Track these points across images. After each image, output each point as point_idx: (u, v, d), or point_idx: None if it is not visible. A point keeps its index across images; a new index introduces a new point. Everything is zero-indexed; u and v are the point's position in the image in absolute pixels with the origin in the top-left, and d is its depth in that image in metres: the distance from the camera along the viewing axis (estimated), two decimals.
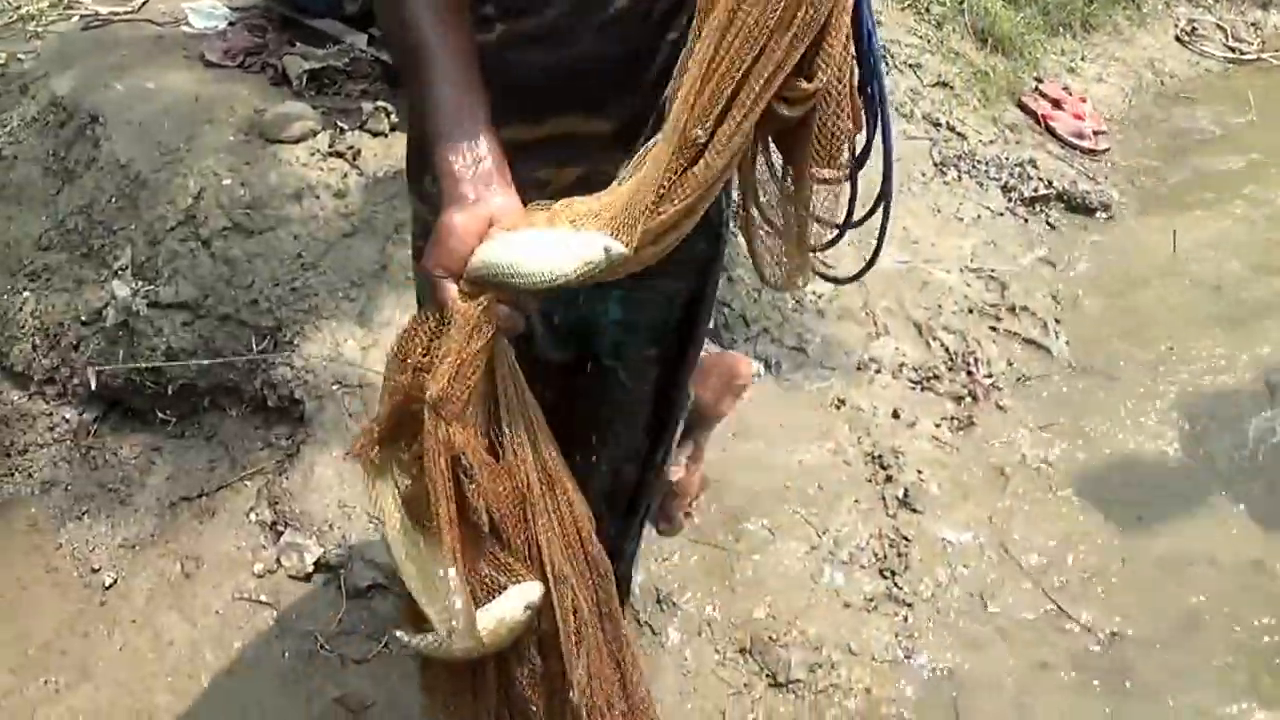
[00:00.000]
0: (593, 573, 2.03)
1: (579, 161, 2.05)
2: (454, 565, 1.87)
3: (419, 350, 1.87)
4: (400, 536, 1.93)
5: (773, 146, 2.01)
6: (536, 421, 1.95)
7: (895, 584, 3.47)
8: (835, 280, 2.41)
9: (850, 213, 2.16)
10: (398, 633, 1.95)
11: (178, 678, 3.18)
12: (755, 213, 2.14)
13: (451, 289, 1.79)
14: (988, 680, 3.29)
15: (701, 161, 1.80)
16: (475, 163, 1.79)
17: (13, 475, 3.91)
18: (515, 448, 1.93)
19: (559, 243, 1.78)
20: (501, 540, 1.93)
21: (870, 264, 2.27)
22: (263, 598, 3.30)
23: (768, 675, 3.25)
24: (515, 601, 1.92)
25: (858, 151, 2.03)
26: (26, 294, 4.05)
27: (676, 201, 1.81)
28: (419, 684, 2.12)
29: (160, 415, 3.80)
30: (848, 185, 2.08)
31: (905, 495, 3.68)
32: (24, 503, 3.80)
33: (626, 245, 1.78)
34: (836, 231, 2.18)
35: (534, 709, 2.05)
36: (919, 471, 3.76)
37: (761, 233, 2.20)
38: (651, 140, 1.82)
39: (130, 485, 3.68)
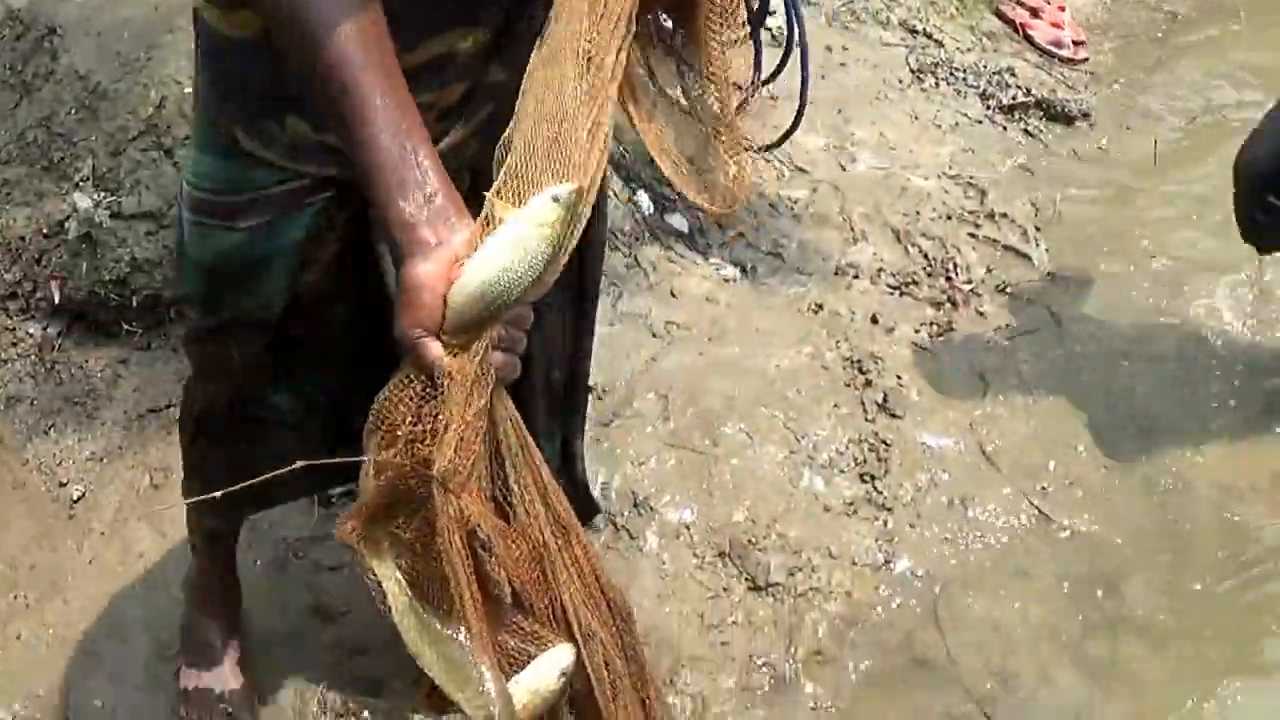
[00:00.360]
0: (616, 619, 1.96)
1: (460, 78, 1.98)
2: (483, 651, 1.76)
3: (408, 420, 1.70)
4: (412, 623, 1.78)
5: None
6: (539, 467, 1.83)
7: (875, 488, 3.44)
8: (760, 150, 2.33)
9: (758, 70, 2.10)
10: (418, 718, 1.92)
11: (149, 589, 3.14)
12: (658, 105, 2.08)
13: (435, 347, 1.62)
14: (968, 585, 3.27)
15: (593, 66, 1.73)
16: (427, 201, 1.62)
17: None
18: (526, 505, 1.80)
19: (519, 227, 1.62)
20: (523, 607, 1.84)
21: (795, 123, 2.22)
22: None
23: (746, 579, 3.23)
24: (548, 670, 1.85)
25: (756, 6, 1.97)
26: None
27: (584, 118, 1.72)
28: None
29: (126, 328, 3.73)
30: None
31: (885, 400, 3.65)
32: None
33: (573, 180, 1.66)
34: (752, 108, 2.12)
35: None
36: (898, 377, 3.73)
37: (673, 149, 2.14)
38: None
39: (97, 399, 3.63)
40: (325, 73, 1.62)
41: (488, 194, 1.63)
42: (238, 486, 1.92)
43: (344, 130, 1.64)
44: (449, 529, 1.68)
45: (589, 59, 1.72)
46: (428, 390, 1.66)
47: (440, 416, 1.65)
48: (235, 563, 2.95)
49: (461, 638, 1.75)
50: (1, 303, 3.88)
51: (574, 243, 1.67)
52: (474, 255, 1.60)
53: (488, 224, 1.62)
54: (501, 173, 1.66)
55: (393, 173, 1.61)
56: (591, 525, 3.28)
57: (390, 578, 1.78)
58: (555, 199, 1.61)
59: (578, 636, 1.86)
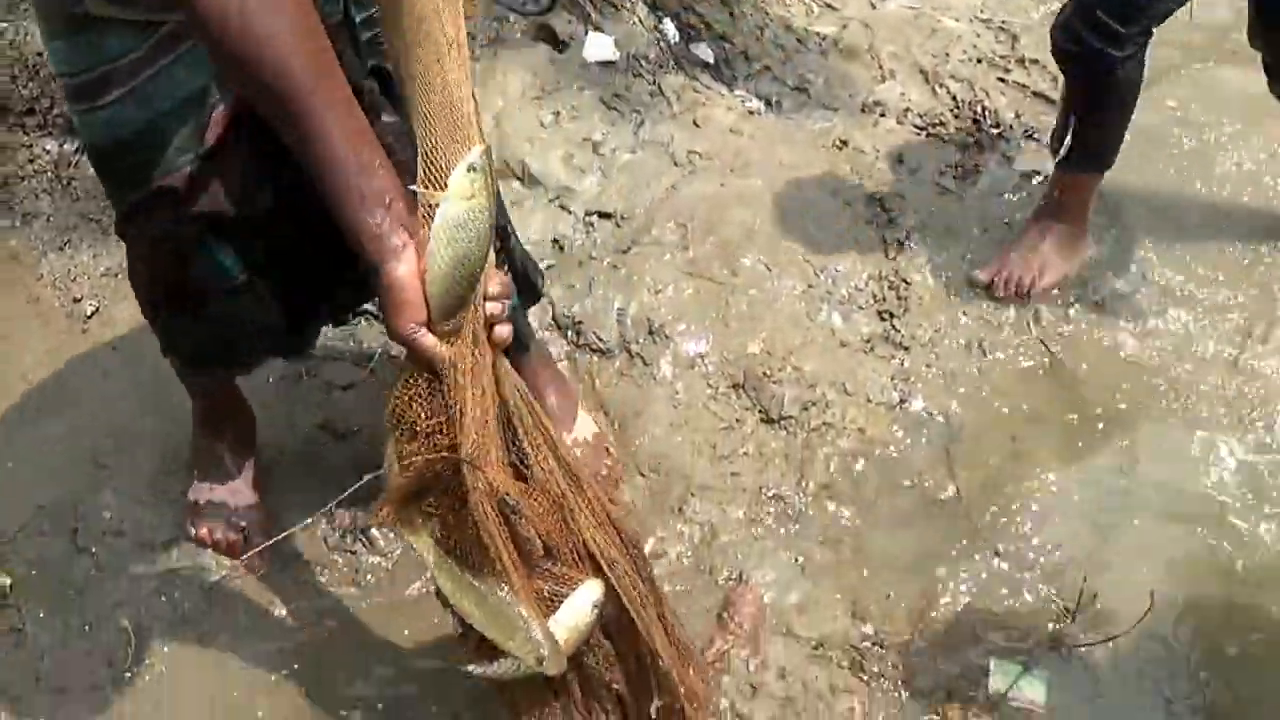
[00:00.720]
0: (629, 546, 2.10)
1: None
2: (524, 601, 1.96)
3: (423, 415, 1.85)
4: (454, 584, 2.00)
5: None
6: (547, 426, 1.97)
7: (893, 326, 3.37)
8: None
9: None
10: (471, 667, 2.08)
11: (160, 405, 3.09)
12: None
13: (429, 339, 1.74)
14: (982, 427, 3.20)
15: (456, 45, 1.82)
16: (388, 209, 1.69)
17: None
18: (541, 462, 1.96)
19: (452, 207, 1.73)
20: (552, 555, 2.00)
21: None
22: None
23: (760, 411, 3.17)
24: (581, 605, 2.03)
25: None
26: (4, 25, 3.89)
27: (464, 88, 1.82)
28: (501, 703, 2.24)
29: None
30: None
31: (906, 239, 3.56)
32: (4, 235, 3.69)
33: (475, 142, 1.78)
34: None
35: (615, 686, 2.20)
36: (921, 217, 3.63)
37: None
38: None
39: (112, 215, 3.54)
40: (276, 90, 1.65)
41: (414, 187, 1.75)
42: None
43: (298, 147, 1.68)
44: (482, 502, 1.87)
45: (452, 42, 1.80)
46: (434, 384, 1.81)
47: (454, 404, 1.81)
48: (238, 392, 2.90)
49: (503, 593, 1.95)
50: (18, 119, 3.80)
51: (496, 184, 1.83)
52: (429, 247, 1.72)
53: (427, 214, 1.73)
54: (420, 161, 1.77)
55: (354, 190, 1.67)
56: (607, 352, 3.22)
57: (428, 548, 2.00)
58: (470, 168, 1.73)
59: (605, 569, 2.03)
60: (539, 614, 1.99)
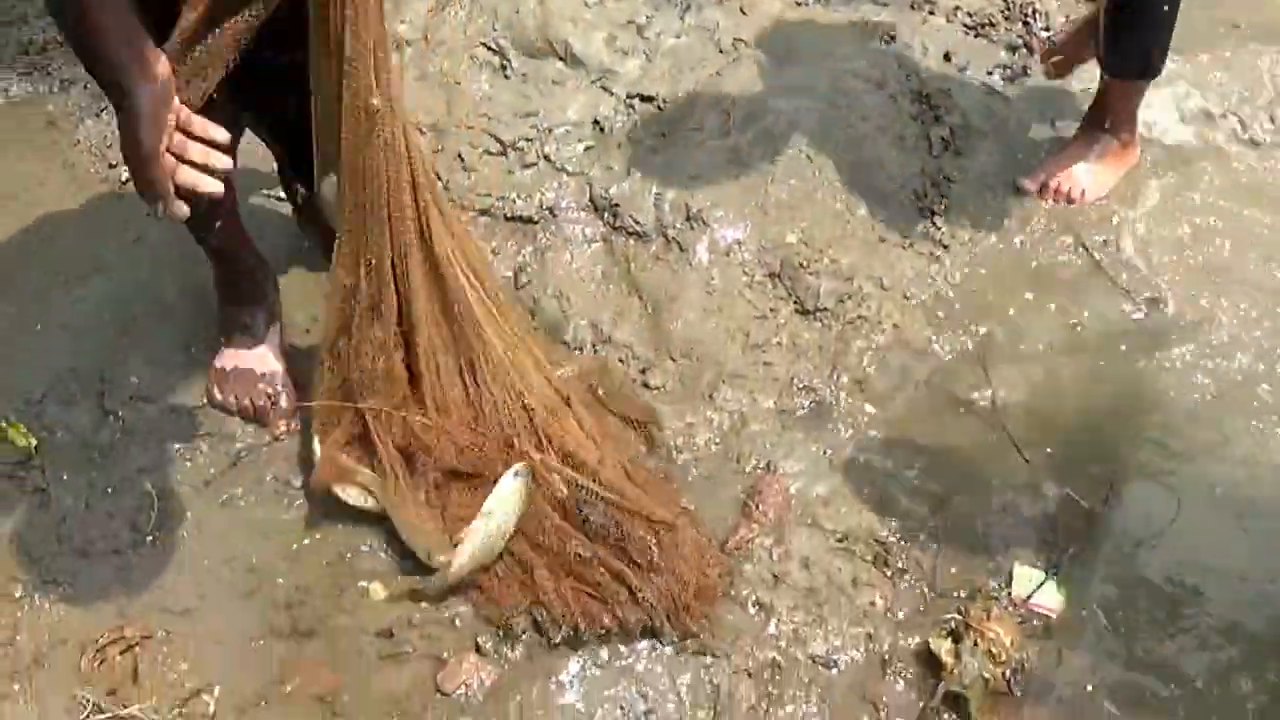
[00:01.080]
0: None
1: None
2: (428, 519, 2.62)
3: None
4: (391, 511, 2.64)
5: None
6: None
7: (933, 223, 3.26)
8: None
9: None
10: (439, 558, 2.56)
11: (192, 271, 3.02)
12: None
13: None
14: (1019, 330, 3.12)
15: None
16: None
17: (31, 74, 3.75)
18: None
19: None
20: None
21: None
22: (282, 195, 3.12)
23: (795, 301, 3.08)
24: (506, 484, 2.54)
25: None
26: None
27: None
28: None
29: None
30: None
31: (951, 136, 3.44)
32: (42, 100, 3.65)
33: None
34: None
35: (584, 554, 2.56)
36: (967, 116, 3.51)
37: None
38: None
39: None
40: None
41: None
42: None
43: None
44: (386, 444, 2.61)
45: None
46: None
47: None
48: (259, 259, 2.84)
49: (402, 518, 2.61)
50: None
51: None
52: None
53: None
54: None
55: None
56: (643, 235, 3.13)
57: (358, 498, 2.65)
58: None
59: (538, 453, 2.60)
60: (441, 529, 2.59)
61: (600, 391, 2.85)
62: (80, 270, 3.13)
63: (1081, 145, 3.37)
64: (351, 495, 2.63)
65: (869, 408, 2.95)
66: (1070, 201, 3.33)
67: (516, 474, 2.53)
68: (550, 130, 3.33)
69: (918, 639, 2.57)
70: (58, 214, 3.28)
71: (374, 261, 2.42)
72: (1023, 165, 3.42)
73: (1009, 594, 2.62)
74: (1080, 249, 3.26)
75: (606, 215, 3.19)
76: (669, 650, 2.52)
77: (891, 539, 2.71)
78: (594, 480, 2.59)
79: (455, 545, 2.53)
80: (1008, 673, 2.49)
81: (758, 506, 2.74)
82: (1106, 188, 3.37)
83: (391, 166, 2.32)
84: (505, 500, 2.53)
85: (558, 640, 2.49)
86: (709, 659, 2.51)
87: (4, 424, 2.70)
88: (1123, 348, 3.08)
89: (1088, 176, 3.34)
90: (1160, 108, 3.58)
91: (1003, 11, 3.88)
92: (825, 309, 3.06)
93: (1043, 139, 3.49)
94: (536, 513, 2.57)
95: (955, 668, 2.48)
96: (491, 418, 2.60)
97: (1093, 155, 3.35)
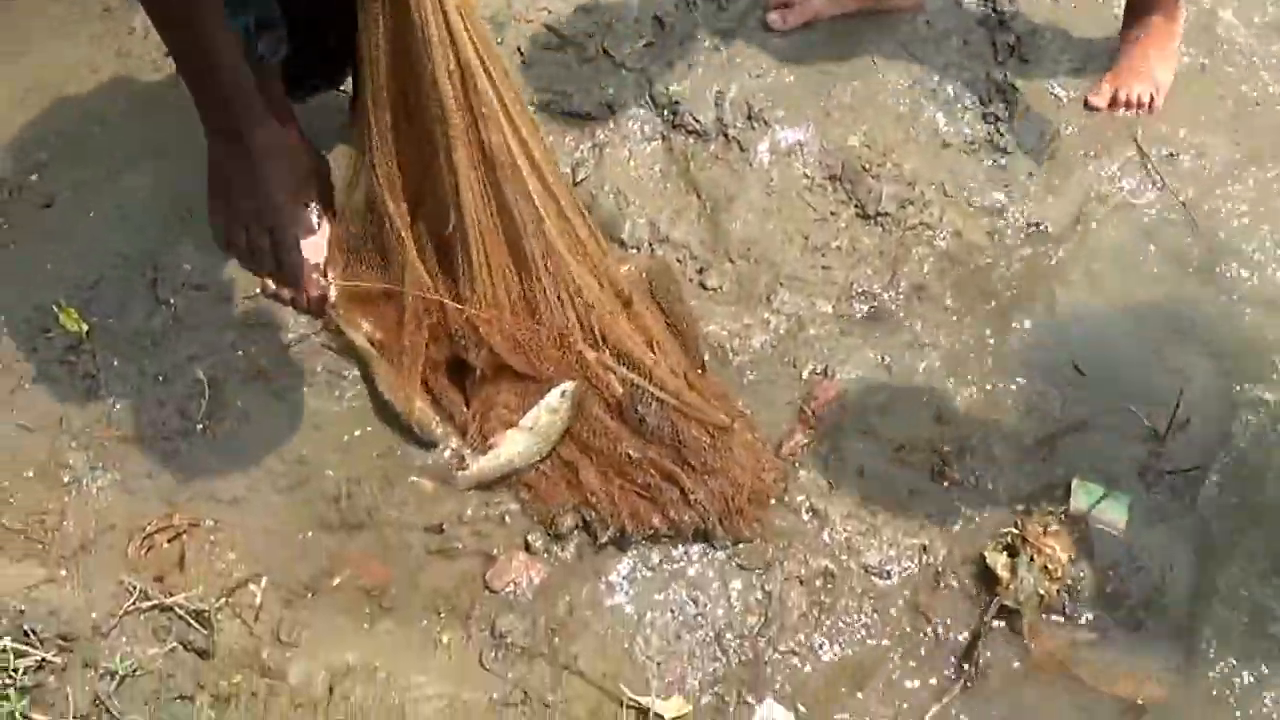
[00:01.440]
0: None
1: None
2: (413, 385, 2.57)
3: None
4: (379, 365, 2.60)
5: None
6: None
7: (998, 130, 3.12)
8: None
9: None
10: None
11: None
12: None
13: None
14: (1081, 242, 2.99)
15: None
16: None
17: None
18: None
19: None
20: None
21: None
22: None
23: (856, 205, 2.96)
24: (552, 398, 2.46)
25: None
26: None
27: None
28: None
29: None
30: None
31: (1017, 43, 3.28)
32: None
33: None
34: None
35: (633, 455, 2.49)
36: (1034, 22, 3.34)
37: None
38: None
39: None
40: None
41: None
42: None
43: None
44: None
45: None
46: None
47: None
48: (312, 151, 2.73)
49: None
50: None
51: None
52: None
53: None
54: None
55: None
56: (703, 134, 3.00)
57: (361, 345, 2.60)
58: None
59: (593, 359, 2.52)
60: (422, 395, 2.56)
61: (653, 293, 2.74)
62: (134, 157, 3.02)
63: (1135, 47, 3.22)
64: (359, 339, 2.61)
65: (928, 315, 2.84)
66: (1145, 109, 3.18)
67: (564, 393, 2.47)
68: (610, 25, 3.19)
69: (973, 552, 2.48)
70: (112, 102, 3.17)
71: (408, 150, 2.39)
72: (1089, 72, 3.27)
73: (1066, 509, 2.52)
74: (1143, 162, 3.10)
75: (666, 113, 3.06)
76: (720, 555, 2.45)
77: (948, 449, 2.61)
78: (649, 380, 2.49)
79: (489, 448, 2.48)
80: (1062, 590, 2.40)
81: (814, 412, 2.64)
82: (1171, 73, 3.23)
83: (433, 53, 2.22)
84: (548, 417, 2.47)
85: (605, 540, 2.43)
86: (760, 565, 2.42)
87: (56, 308, 2.62)
88: (1187, 264, 2.94)
89: (1151, 72, 3.19)
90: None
91: None
92: (886, 214, 2.94)
93: (1110, 51, 3.32)
94: (588, 415, 2.50)
95: (1010, 583, 2.40)
96: (546, 315, 2.49)
97: (1152, 52, 3.20)
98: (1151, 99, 3.16)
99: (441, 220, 2.44)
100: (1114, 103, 3.18)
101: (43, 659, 2.01)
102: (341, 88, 2.80)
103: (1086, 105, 3.20)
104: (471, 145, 2.34)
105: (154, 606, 2.23)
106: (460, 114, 2.30)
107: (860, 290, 2.85)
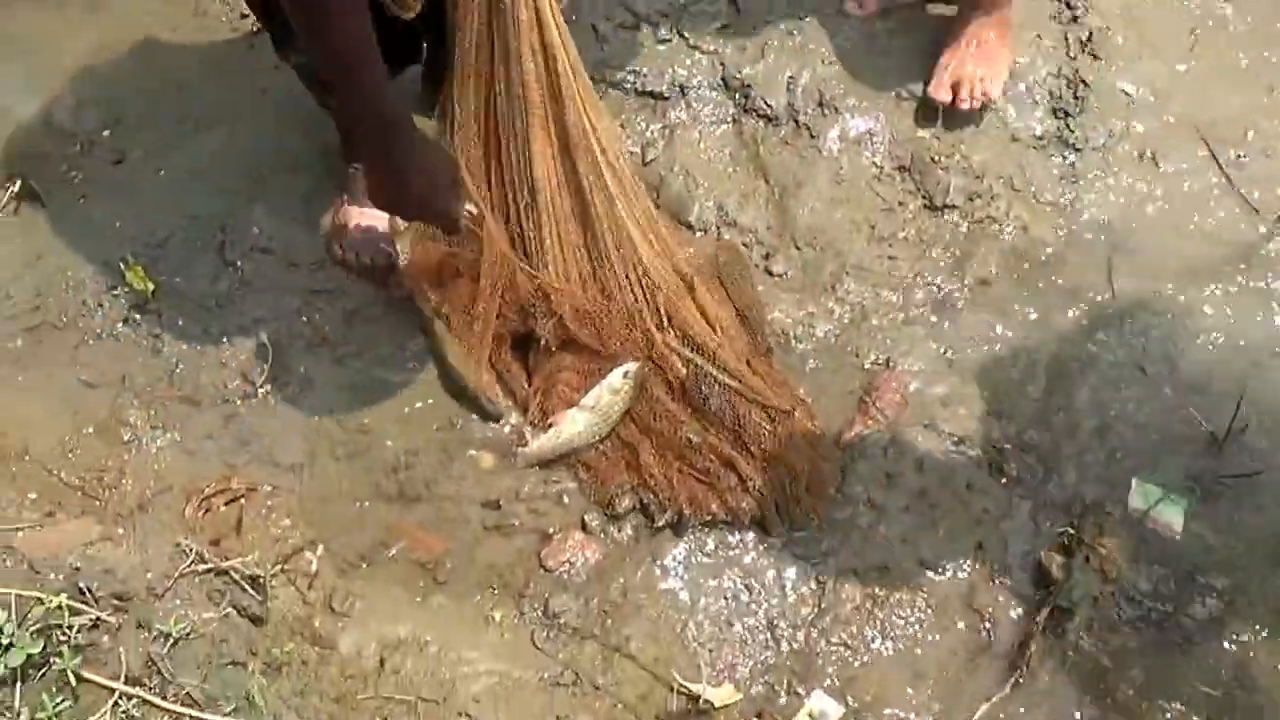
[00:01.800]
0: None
1: None
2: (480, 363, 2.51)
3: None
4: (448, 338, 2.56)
5: None
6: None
7: (1067, 126, 3.01)
8: None
9: None
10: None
11: (317, 124, 2.80)
12: None
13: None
14: (1145, 239, 2.88)
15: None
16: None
17: None
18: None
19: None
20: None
21: None
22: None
23: (924, 196, 2.86)
24: (614, 379, 2.42)
25: None
26: None
27: None
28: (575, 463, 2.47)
29: None
30: None
31: (1090, 39, 3.16)
32: None
33: None
34: None
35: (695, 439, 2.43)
36: (1107, 18, 3.21)
37: None
38: None
39: None
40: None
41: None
42: None
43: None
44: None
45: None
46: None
47: None
48: None
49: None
50: None
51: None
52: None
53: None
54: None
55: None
56: (774, 119, 2.91)
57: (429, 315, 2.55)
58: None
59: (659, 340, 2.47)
60: (488, 368, 2.51)
61: (721, 277, 2.67)
62: (207, 119, 2.95)
63: (957, 35, 2.97)
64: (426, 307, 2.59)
65: (993, 307, 2.76)
66: (987, 99, 2.93)
67: (626, 374, 2.42)
68: (686, 6, 3.09)
69: (1028, 550, 2.41)
70: (187, 61, 3.09)
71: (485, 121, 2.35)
72: (1158, 74, 3.13)
73: (1124, 510, 2.44)
74: (1212, 160, 2.98)
75: (738, 96, 2.96)
76: (776, 543, 2.38)
77: (1008, 446, 2.54)
78: (713, 363, 2.44)
79: (549, 426, 2.44)
80: (1117, 591, 2.31)
81: (874, 403, 2.56)
82: (1006, 60, 2.99)
83: (520, 32, 2.18)
84: (609, 397, 2.42)
85: (661, 524, 2.37)
86: (816, 555, 2.36)
87: (123, 265, 2.55)
88: (1255, 268, 2.83)
89: (979, 62, 2.94)
90: None
91: None
92: (954, 206, 2.85)
93: (1182, 48, 3.19)
94: (649, 397, 2.45)
95: (1065, 583, 2.31)
96: (615, 292, 2.42)
97: (973, 35, 2.95)
98: (987, 87, 2.93)
99: (516, 197, 2.37)
100: (956, 98, 2.93)
101: (97, 618, 1.94)
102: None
103: (928, 100, 2.97)
104: (550, 124, 2.29)
105: (209, 570, 2.15)
106: (539, 92, 2.25)
107: (926, 281, 2.77)
